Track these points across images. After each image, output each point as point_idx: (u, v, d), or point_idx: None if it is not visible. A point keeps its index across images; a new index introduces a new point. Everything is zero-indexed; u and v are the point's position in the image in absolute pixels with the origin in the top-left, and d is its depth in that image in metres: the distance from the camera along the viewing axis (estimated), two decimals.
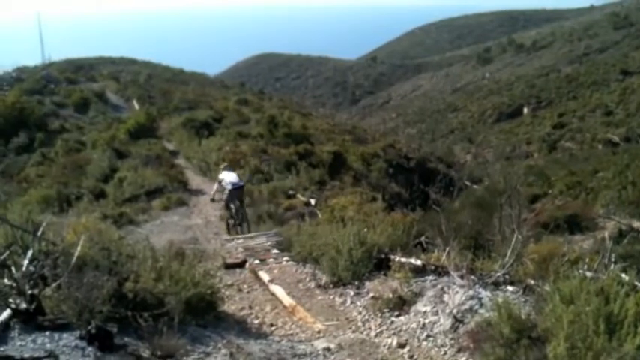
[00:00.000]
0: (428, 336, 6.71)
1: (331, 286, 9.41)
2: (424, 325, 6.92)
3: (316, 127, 44.85)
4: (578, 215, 21.14)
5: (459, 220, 12.77)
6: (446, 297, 7.09)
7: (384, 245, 9.49)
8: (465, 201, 21.01)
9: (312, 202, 19.93)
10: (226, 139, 31.49)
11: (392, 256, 8.99)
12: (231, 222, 14.77)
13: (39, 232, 6.45)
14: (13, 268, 5.74)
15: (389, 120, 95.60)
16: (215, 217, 18.77)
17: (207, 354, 5.74)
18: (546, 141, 59.65)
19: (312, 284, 9.87)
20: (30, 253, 6.04)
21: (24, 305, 5.11)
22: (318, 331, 7.61)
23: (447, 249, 8.01)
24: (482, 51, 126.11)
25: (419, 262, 8.40)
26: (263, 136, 32.82)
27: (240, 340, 6.60)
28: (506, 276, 7.18)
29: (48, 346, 4.74)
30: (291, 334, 7.66)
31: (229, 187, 14.71)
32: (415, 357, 6.49)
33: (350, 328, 7.66)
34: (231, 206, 14.68)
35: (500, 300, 5.82)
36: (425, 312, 7.13)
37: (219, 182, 15.33)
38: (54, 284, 5.48)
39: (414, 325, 7.05)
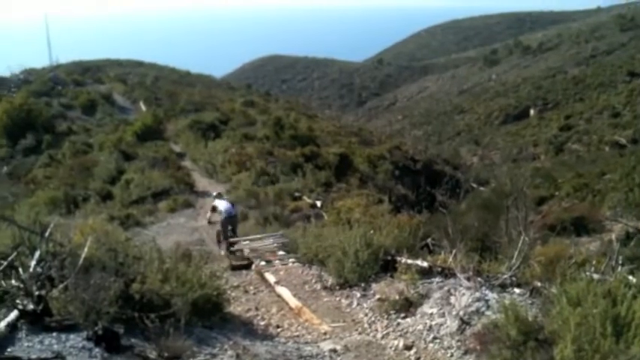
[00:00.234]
0: (434, 338, 6.69)
1: (337, 287, 9.41)
2: (430, 327, 6.90)
3: (322, 129, 44.87)
4: (585, 217, 21.05)
5: (465, 222, 12.75)
6: (452, 299, 7.07)
7: (391, 247, 9.48)
8: (471, 203, 20.94)
9: (318, 203, 19.93)
10: (232, 140, 31.55)
11: (398, 258, 8.97)
12: (226, 248, 14.47)
13: (46, 234, 6.47)
14: (20, 270, 5.76)
15: (395, 122, 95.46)
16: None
17: (214, 355, 5.74)
18: (553, 143, 59.45)
19: (319, 286, 9.88)
20: (37, 254, 6.06)
21: (31, 306, 5.12)
22: (325, 333, 7.61)
23: (454, 251, 8.00)
24: (489, 53, 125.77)
25: (425, 264, 8.38)
26: (269, 137, 32.86)
27: (246, 342, 6.61)
28: (513, 278, 7.15)
29: (55, 347, 4.75)
30: (298, 336, 7.67)
31: (224, 215, 14.87)
32: (421, 359, 6.48)
33: (356, 329, 7.66)
34: (225, 230, 14.75)
35: (507, 302, 5.81)
36: (431, 314, 7.12)
37: (213, 209, 15.45)
38: (61, 285, 5.49)
39: (420, 327, 7.03)
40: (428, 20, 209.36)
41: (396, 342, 6.89)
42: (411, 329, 7.10)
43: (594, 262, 7.11)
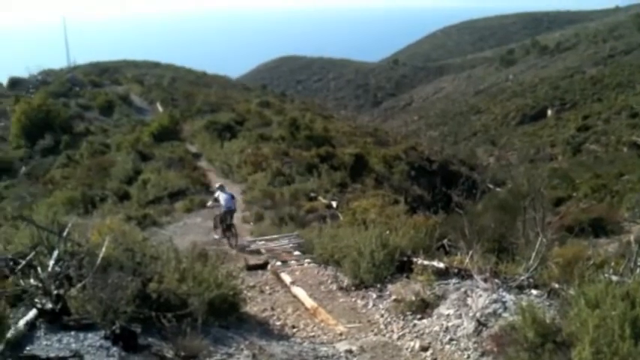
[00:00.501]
0: (451, 339, 6.66)
1: (353, 288, 9.40)
2: (447, 328, 6.87)
3: (338, 129, 44.82)
4: (603, 218, 20.87)
5: (482, 223, 12.66)
6: (469, 300, 7.03)
7: (407, 248, 9.46)
8: (488, 204, 20.82)
9: (334, 204, 19.90)
10: (248, 141, 31.60)
11: (414, 259, 8.95)
12: (221, 234, 16.10)
13: (64, 234, 6.53)
14: (39, 269, 5.82)
15: (411, 122, 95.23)
16: (237, 219, 18.83)
17: (230, 355, 5.76)
18: (571, 143, 59.01)
19: (334, 286, 9.87)
20: (55, 253, 6.11)
21: (49, 305, 5.17)
22: (340, 334, 7.60)
23: (470, 252, 7.96)
24: (505, 53, 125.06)
25: (442, 265, 8.35)
26: (285, 138, 32.88)
27: (262, 342, 6.62)
28: (531, 280, 7.10)
29: (73, 346, 4.79)
30: (313, 336, 7.67)
31: (224, 208, 16.04)
32: None
33: (372, 330, 7.65)
34: (225, 222, 16.02)
35: (524, 304, 5.77)
36: (448, 315, 7.08)
37: (215, 199, 16.64)
38: (79, 285, 5.54)
39: (436, 328, 7.00)
40: (443, 20, 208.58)
41: (412, 343, 6.87)
42: (427, 330, 7.08)
43: (613, 264, 7.05)
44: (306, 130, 34.14)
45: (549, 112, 74.73)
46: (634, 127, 56.35)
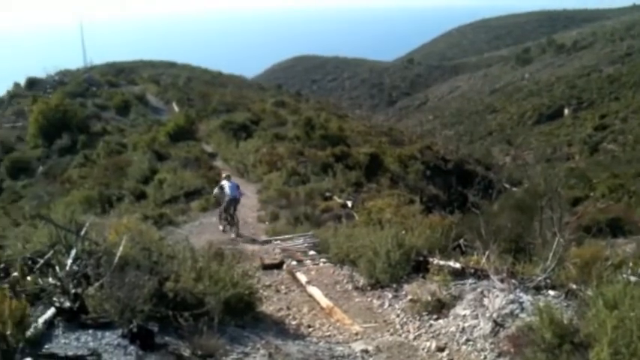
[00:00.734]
0: (467, 340, 6.63)
1: (369, 288, 9.39)
2: (463, 328, 6.84)
3: (353, 128, 44.79)
4: (620, 218, 20.70)
5: (498, 223, 12.60)
6: (486, 301, 6.99)
7: (422, 248, 9.42)
8: (504, 203, 20.69)
9: (349, 203, 19.89)
10: (263, 140, 31.69)
11: (430, 259, 8.91)
12: (225, 223, 17.00)
13: (82, 233, 6.58)
14: (57, 268, 5.87)
15: (426, 122, 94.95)
16: (252, 219, 18.90)
17: (246, 354, 5.77)
18: (588, 143, 58.55)
19: (350, 286, 9.86)
20: (73, 252, 6.16)
21: (68, 304, 5.21)
22: (356, 334, 7.59)
23: (487, 252, 7.91)
24: (522, 51, 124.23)
25: (458, 266, 8.30)
26: (300, 138, 32.91)
27: (278, 341, 6.63)
28: (548, 280, 7.05)
29: (91, 344, 4.82)
30: (329, 336, 7.66)
31: (228, 197, 16.78)
32: None
33: (388, 330, 7.63)
34: (229, 211, 16.84)
35: (541, 304, 5.73)
36: (464, 316, 7.05)
37: (221, 188, 17.44)
38: (97, 283, 5.58)
39: (453, 328, 6.97)
40: (458, 19, 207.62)
41: (428, 343, 6.84)
42: (443, 331, 7.04)
43: (631, 264, 6.98)
44: (321, 129, 34.14)
45: (566, 111, 74.17)
46: None
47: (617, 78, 76.97)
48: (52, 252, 6.34)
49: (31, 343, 4.48)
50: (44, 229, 7.33)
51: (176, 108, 48.58)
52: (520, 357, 5.57)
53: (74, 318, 5.15)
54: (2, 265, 6.37)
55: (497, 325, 6.46)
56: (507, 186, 33.52)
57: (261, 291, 8.47)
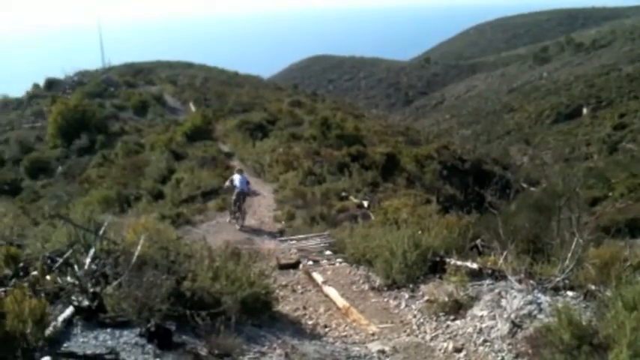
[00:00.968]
0: (485, 341, 6.59)
1: (385, 288, 9.37)
2: (481, 329, 6.80)
3: (369, 128, 44.70)
4: None
5: (516, 223, 12.47)
6: (503, 302, 6.95)
7: (439, 248, 9.39)
8: (521, 204, 20.54)
9: (365, 203, 19.84)
10: (280, 140, 31.72)
11: (447, 260, 8.88)
12: (234, 215, 17.89)
13: (100, 232, 6.64)
14: (75, 267, 5.93)
15: (443, 121, 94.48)
16: (269, 218, 18.94)
17: (263, 354, 5.79)
18: (606, 142, 57.96)
19: (366, 286, 9.85)
20: (92, 251, 6.22)
21: (86, 303, 5.27)
22: (373, 334, 7.58)
23: (505, 253, 7.86)
24: (539, 50, 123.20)
25: (475, 266, 8.26)
26: (316, 137, 32.89)
27: (294, 341, 6.64)
28: (566, 281, 7.00)
29: (109, 343, 4.87)
30: (345, 336, 7.66)
31: (236, 190, 17.75)
32: None
33: (404, 331, 7.61)
34: (237, 203, 17.74)
35: (560, 305, 5.69)
36: (482, 316, 7.01)
37: (231, 181, 18.42)
38: (115, 282, 5.63)
39: (470, 329, 6.94)
40: (476, 18, 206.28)
41: (445, 344, 6.81)
42: (460, 332, 7.01)
43: None
44: (337, 129, 34.09)
45: (584, 110, 73.46)
46: None
47: (636, 77, 76.07)
48: (70, 251, 6.40)
49: (50, 342, 4.53)
50: (63, 228, 7.41)
51: (193, 108, 48.77)
52: (538, 358, 5.53)
53: (93, 317, 5.20)
54: (22, 264, 6.45)
55: (515, 326, 6.43)
56: (525, 186, 33.32)
57: (277, 291, 8.49)
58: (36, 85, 57.84)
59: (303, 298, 9.74)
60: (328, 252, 12.94)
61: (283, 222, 18.24)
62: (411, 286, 8.95)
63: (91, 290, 5.41)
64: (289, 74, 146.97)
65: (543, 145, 64.01)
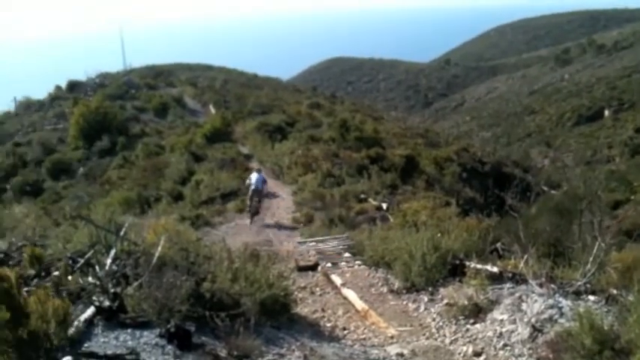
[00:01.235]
0: (505, 345, 6.54)
1: (404, 291, 9.34)
2: (501, 333, 6.75)
3: (388, 130, 44.62)
4: None
5: (536, 227, 12.37)
6: (524, 305, 6.89)
7: (459, 251, 9.33)
8: (542, 207, 20.33)
9: (384, 206, 19.81)
10: (299, 142, 31.77)
11: (467, 263, 8.82)
12: (249, 211, 18.77)
13: (121, 233, 6.70)
14: (97, 267, 5.99)
15: (462, 123, 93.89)
16: (287, 220, 18.98)
17: (282, 356, 5.80)
18: (629, 145, 57.25)
19: (385, 289, 9.82)
20: (113, 252, 6.29)
21: (107, 303, 5.31)
22: (391, 337, 7.56)
23: (525, 256, 7.80)
24: (561, 52, 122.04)
25: (495, 270, 8.20)
26: (335, 139, 32.90)
27: (313, 343, 6.64)
28: (588, 285, 6.93)
29: (129, 343, 4.91)
30: (364, 339, 7.65)
31: (251, 187, 18.74)
32: None
33: (424, 334, 7.57)
34: (252, 200, 18.68)
35: (581, 310, 5.63)
36: (502, 320, 6.96)
37: (249, 180, 19.28)
38: (135, 283, 5.68)
39: (490, 333, 6.89)
40: (497, 19, 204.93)
41: (464, 348, 6.77)
42: (480, 335, 6.96)
43: None
44: (356, 131, 34.08)
45: (606, 112, 72.60)
46: None
47: None
48: (92, 252, 6.47)
49: (72, 342, 4.57)
50: (84, 229, 7.50)
51: (213, 110, 49.01)
52: None
53: (113, 317, 5.25)
54: (44, 265, 6.53)
55: (536, 330, 6.37)
56: (546, 189, 32.99)
57: (296, 292, 8.50)
58: (58, 87, 58.49)
59: (321, 300, 9.74)
60: (347, 254, 12.92)
61: (302, 224, 18.27)
62: (430, 289, 8.91)
63: (112, 291, 5.46)
64: (308, 76, 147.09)
65: (564, 147, 63.45)
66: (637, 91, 73.69)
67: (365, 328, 8.10)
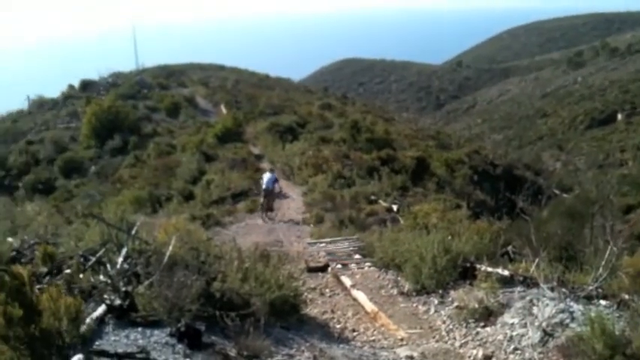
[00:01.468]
0: (515, 349, 6.50)
1: (414, 293, 9.32)
2: (511, 337, 6.72)
3: (399, 132, 44.53)
4: None
5: (548, 230, 12.32)
6: (535, 309, 6.86)
7: (470, 254, 9.30)
8: (554, 210, 20.23)
9: (395, 207, 19.77)
10: (309, 143, 31.76)
11: (478, 266, 8.79)
12: (263, 210, 19.36)
13: (133, 232, 6.73)
14: (108, 266, 6.02)
15: (474, 125, 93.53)
16: (298, 221, 18.99)
17: (291, 356, 5.80)
18: None
19: (395, 291, 9.81)
20: (124, 251, 6.31)
21: (118, 301, 5.34)
22: (401, 339, 7.54)
23: (536, 260, 7.76)
24: (574, 55, 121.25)
25: (506, 273, 8.17)
26: (346, 140, 32.89)
27: (322, 344, 6.64)
28: (600, 290, 6.88)
29: (140, 342, 4.92)
30: (374, 341, 7.64)
31: (262, 187, 19.45)
32: None
33: (433, 337, 7.55)
34: (264, 200, 19.36)
35: (593, 314, 5.60)
36: (512, 324, 6.93)
37: (261, 179, 20.11)
38: (146, 282, 5.70)
39: (500, 337, 6.85)
40: (510, 22, 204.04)
41: (474, 351, 6.74)
42: (490, 339, 6.93)
43: None
44: (367, 132, 34.05)
45: (619, 116, 72.08)
46: None
47: None
48: (103, 250, 6.51)
49: (83, 340, 4.59)
50: (96, 227, 7.53)
51: (224, 110, 49.11)
52: None
53: (124, 315, 5.27)
54: (56, 263, 6.57)
55: (547, 334, 6.33)
56: (557, 192, 32.81)
57: (305, 293, 8.50)
58: (71, 86, 58.82)
59: (331, 302, 9.73)
60: (357, 256, 12.91)
61: (312, 225, 18.27)
62: (440, 291, 8.89)
63: (123, 289, 5.48)
64: (320, 77, 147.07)
65: (576, 150, 63.05)
66: None
67: (374, 330, 8.09)
